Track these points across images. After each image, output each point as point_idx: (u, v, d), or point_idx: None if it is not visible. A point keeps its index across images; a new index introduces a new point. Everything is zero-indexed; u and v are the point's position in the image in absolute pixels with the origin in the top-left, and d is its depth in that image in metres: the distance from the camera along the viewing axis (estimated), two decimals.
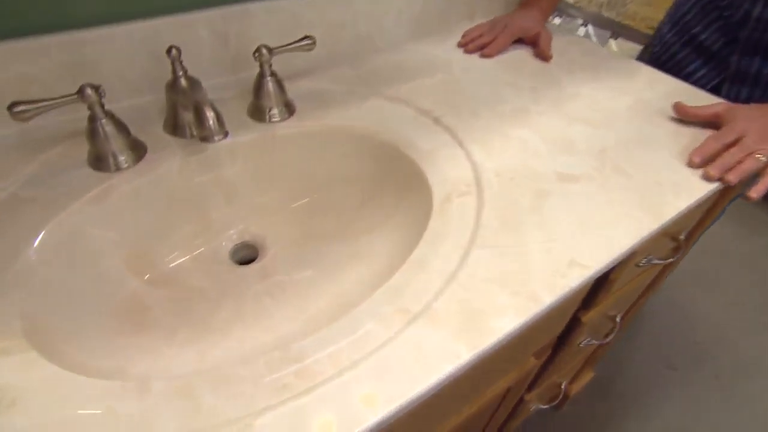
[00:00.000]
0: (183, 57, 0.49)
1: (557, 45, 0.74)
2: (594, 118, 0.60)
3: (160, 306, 0.48)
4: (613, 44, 1.64)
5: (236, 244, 0.55)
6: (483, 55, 0.71)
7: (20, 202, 0.43)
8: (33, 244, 0.41)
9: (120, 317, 0.45)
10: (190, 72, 0.51)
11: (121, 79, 0.54)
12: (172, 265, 0.51)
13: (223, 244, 0.55)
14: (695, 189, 0.51)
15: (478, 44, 0.71)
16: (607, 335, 0.74)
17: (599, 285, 0.57)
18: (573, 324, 0.62)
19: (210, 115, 0.43)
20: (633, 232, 0.46)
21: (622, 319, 0.75)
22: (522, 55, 0.73)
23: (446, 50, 0.72)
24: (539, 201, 0.47)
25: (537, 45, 0.72)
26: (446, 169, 0.51)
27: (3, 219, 0.42)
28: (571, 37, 0.79)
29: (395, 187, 0.56)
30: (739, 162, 0.53)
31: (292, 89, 0.59)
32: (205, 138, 0.43)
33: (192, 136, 0.52)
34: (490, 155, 0.53)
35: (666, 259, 0.65)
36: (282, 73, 0.59)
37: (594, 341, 0.71)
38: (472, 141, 0.54)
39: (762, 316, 1.36)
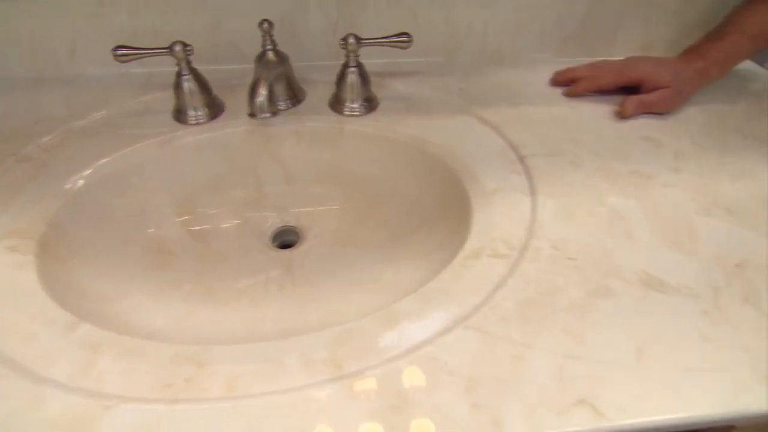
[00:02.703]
0: (296, 32, 0.52)
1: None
2: (751, 211, 0.42)
3: (185, 257, 0.50)
4: None
5: (279, 227, 0.55)
6: (567, 93, 0.56)
7: (102, 129, 0.50)
8: (92, 166, 0.46)
9: (143, 252, 0.48)
10: (299, 50, 0.52)
11: (234, 44, 0.57)
12: (211, 224, 0.53)
13: (268, 222, 0.55)
14: None
15: (568, 77, 0.57)
16: None
17: None
18: None
19: (261, 92, 0.43)
20: (726, 398, 0.30)
21: None
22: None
23: None
24: (590, 300, 0.35)
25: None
26: (496, 219, 0.41)
27: (82, 139, 0.48)
28: None
29: (447, 223, 0.48)
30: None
31: (385, 88, 0.55)
32: (252, 113, 0.43)
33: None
34: (562, 220, 0.41)
35: None
36: (383, 70, 0.56)
37: None
38: (549, 194, 0.43)
39: None
